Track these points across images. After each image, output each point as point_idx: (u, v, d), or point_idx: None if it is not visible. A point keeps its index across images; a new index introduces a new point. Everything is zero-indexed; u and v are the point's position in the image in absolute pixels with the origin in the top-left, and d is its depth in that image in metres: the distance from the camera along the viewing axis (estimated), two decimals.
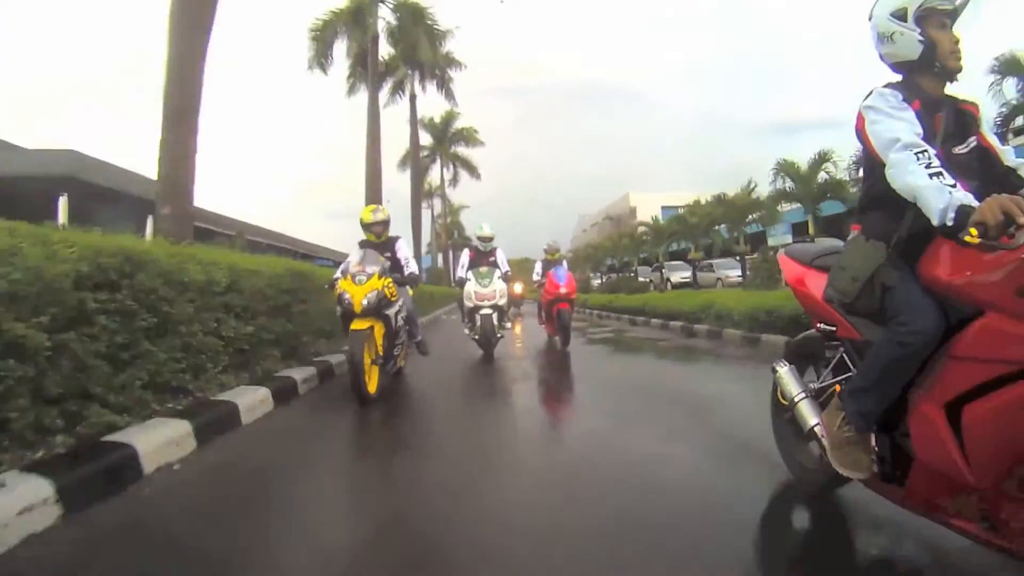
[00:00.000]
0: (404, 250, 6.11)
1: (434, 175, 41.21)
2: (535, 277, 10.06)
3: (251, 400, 4.27)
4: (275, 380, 5.02)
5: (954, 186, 1.62)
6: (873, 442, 1.99)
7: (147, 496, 2.77)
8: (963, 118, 2.00)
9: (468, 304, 7.55)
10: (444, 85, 26.87)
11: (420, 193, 32.09)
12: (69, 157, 13.18)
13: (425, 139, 35.50)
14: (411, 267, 6.04)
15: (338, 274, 5.45)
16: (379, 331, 5.18)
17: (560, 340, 8.70)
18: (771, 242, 28.28)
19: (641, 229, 36.61)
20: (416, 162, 30.52)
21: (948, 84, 2.00)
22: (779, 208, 25.80)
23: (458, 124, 37.52)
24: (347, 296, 4.99)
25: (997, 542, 1.58)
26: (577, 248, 52.90)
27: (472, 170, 39.08)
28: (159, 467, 3.06)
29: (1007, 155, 2.00)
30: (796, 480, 2.57)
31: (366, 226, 6.07)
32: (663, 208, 40.99)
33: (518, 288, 18.88)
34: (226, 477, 3.09)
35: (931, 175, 1.65)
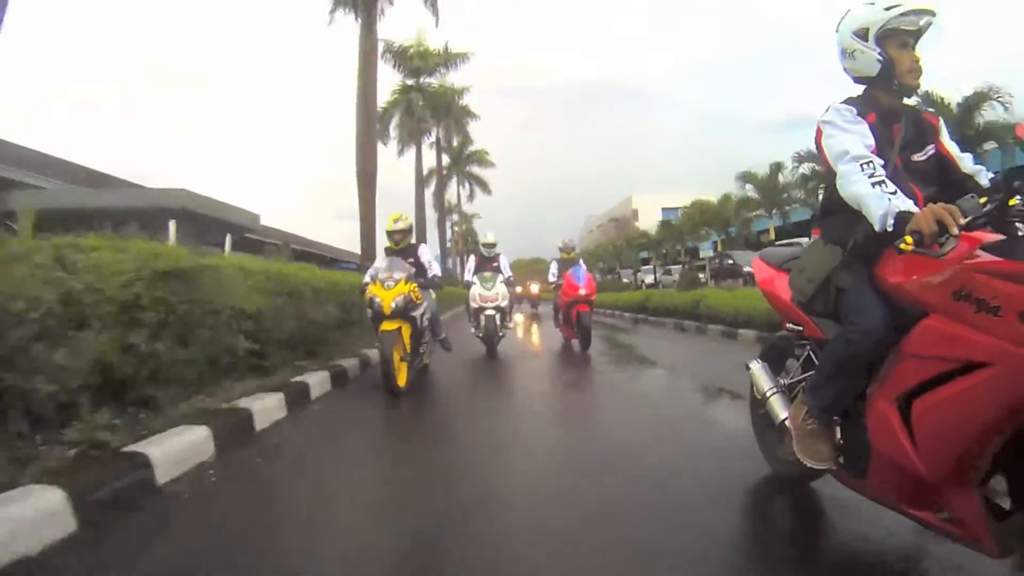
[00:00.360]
0: (426, 254, 6.07)
1: (451, 192, 41.93)
2: (551, 278, 9.07)
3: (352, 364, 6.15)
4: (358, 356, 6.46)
5: (894, 194, 1.62)
6: (838, 435, 1.99)
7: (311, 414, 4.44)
8: (923, 127, 1.99)
9: (473, 305, 7.76)
10: (463, 130, 33.57)
11: (443, 210, 35.34)
12: (181, 193, 16.76)
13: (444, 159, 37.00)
14: (434, 270, 6.00)
15: (367, 279, 5.59)
16: (406, 331, 5.27)
17: (579, 343, 8.00)
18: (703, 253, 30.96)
19: (636, 234, 37.87)
20: (441, 188, 34.56)
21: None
22: (749, 215, 26.09)
23: (471, 147, 38.95)
24: (377, 300, 5.08)
25: (955, 532, 1.57)
26: (584, 249, 52.73)
27: (484, 187, 40.30)
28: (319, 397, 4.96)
29: (965, 162, 1.98)
30: (773, 471, 2.55)
31: (389, 233, 6.14)
32: (663, 210, 40.58)
33: (535, 288, 18.82)
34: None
35: (873, 184, 1.67)
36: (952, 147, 2.00)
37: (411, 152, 28.58)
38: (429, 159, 31.96)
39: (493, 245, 8.40)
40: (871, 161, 1.73)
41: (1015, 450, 1.45)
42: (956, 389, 1.46)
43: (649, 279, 29.06)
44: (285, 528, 2.21)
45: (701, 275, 25.46)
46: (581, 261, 8.98)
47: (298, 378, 4.83)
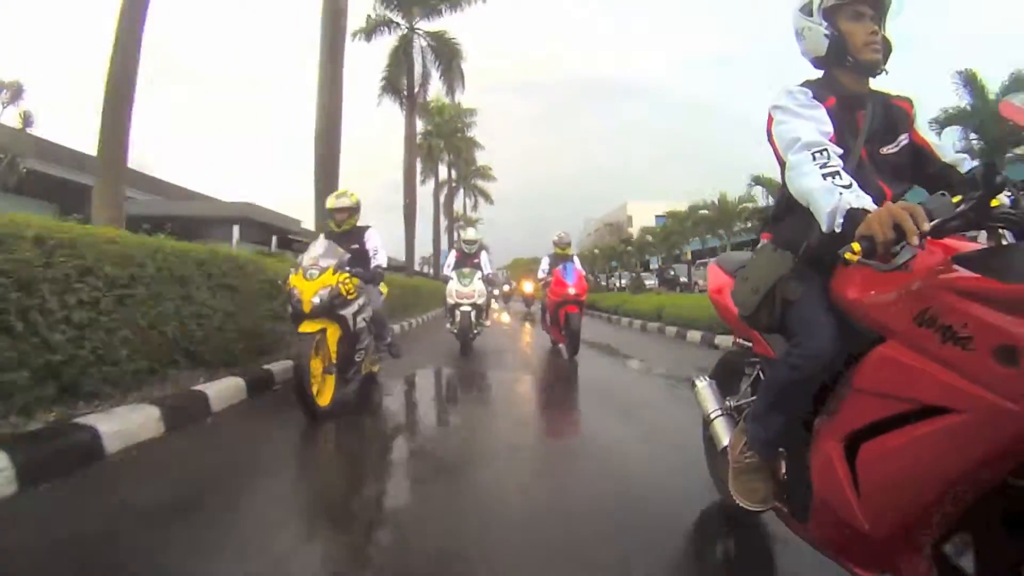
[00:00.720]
0: (374, 240, 4.44)
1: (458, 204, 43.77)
2: (540, 274, 7.66)
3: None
4: None
5: (849, 187, 1.22)
6: (783, 469, 1.55)
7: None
8: (893, 115, 1.56)
9: (450, 301, 6.99)
10: (470, 156, 35.88)
11: (452, 218, 36.39)
12: (243, 205, 19.97)
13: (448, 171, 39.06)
14: (379, 259, 4.34)
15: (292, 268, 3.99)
16: (333, 334, 3.69)
17: (567, 348, 6.60)
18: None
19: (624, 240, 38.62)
20: (450, 200, 36.58)
21: (872, 79, 1.56)
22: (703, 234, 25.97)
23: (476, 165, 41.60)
24: (296, 293, 3.54)
25: None
26: (582, 252, 51.48)
27: (487, 197, 42.21)
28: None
29: (944, 151, 1.55)
30: (721, 497, 2.03)
31: (330, 212, 4.54)
32: (656, 217, 39.11)
33: (528, 287, 16.89)
34: None
35: (825, 175, 1.27)
36: (929, 135, 1.59)
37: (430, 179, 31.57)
38: (441, 172, 34.76)
39: (474, 242, 7.62)
40: (825, 149, 1.33)
41: (984, 509, 1.05)
42: (909, 437, 1.08)
43: (623, 282, 30.19)
44: None
45: (649, 282, 27.14)
46: (576, 258, 7.49)
47: (197, 387, 3.47)
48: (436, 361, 6.30)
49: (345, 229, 4.45)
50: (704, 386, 2.03)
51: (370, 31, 17.79)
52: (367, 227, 4.54)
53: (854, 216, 1.14)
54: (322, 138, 9.86)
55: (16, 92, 18.37)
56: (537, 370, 5.96)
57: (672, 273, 26.05)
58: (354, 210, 4.53)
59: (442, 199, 34.57)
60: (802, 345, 1.37)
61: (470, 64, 20.48)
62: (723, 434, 1.84)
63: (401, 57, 18.39)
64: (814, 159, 1.31)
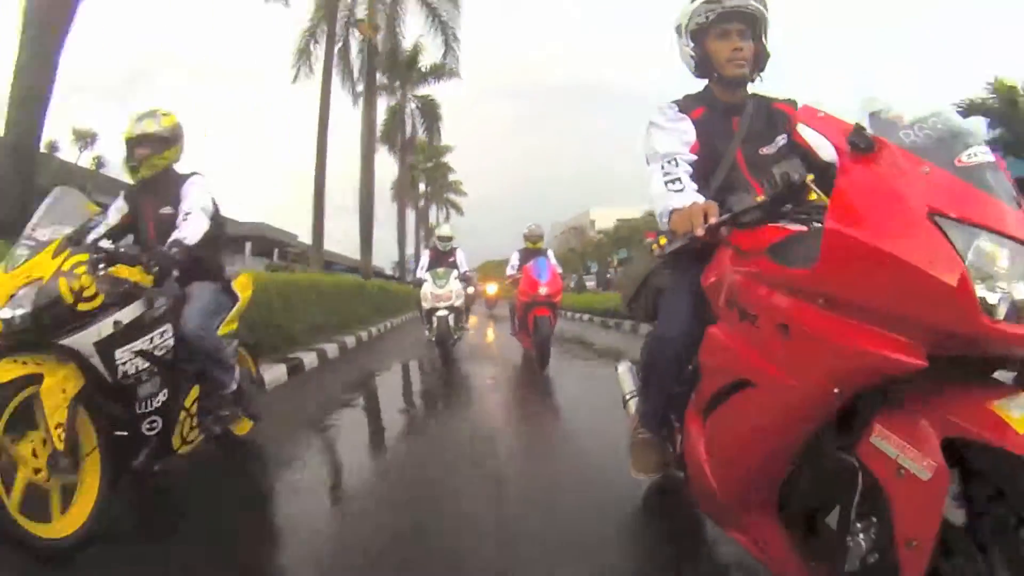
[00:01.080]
0: (193, 196, 2.16)
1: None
2: (509, 270, 6.00)
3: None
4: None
5: (680, 191, 1.33)
6: (678, 445, 1.50)
7: None
8: (774, 118, 1.54)
9: (425, 305, 5.77)
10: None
11: (427, 229, 35.58)
12: (256, 225, 21.74)
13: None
14: (185, 232, 2.02)
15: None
16: (58, 392, 1.52)
17: (536, 359, 4.84)
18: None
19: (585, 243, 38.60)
20: (425, 212, 36.24)
21: (748, 87, 1.56)
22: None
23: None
24: None
25: (763, 558, 1.17)
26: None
27: (459, 210, 41.77)
28: None
29: (825, 151, 1.38)
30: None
31: (125, 149, 2.24)
32: (618, 221, 37.81)
33: (491, 289, 12.71)
34: None
35: (666, 183, 1.37)
36: (810, 135, 1.44)
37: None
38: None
39: (449, 239, 6.46)
40: (674, 159, 1.41)
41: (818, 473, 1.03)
42: (730, 407, 1.15)
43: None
44: None
45: (590, 283, 27.32)
46: (550, 252, 5.85)
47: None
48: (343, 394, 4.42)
49: (145, 175, 2.21)
50: (624, 369, 1.95)
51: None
52: (190, 175, 2.27)
53: (672, 215, 1.28)
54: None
55: (91, 139, 19.92)
56: (498, 392, 4.32)
57: (610, 275, 26.03)
58: (164, 140, 2.20)
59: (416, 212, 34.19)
60: (658, 328, 1.48)
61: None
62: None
63: (395, 118, 22.15)
64: (663, 168, 1.39)
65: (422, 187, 35.41)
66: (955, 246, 0.80)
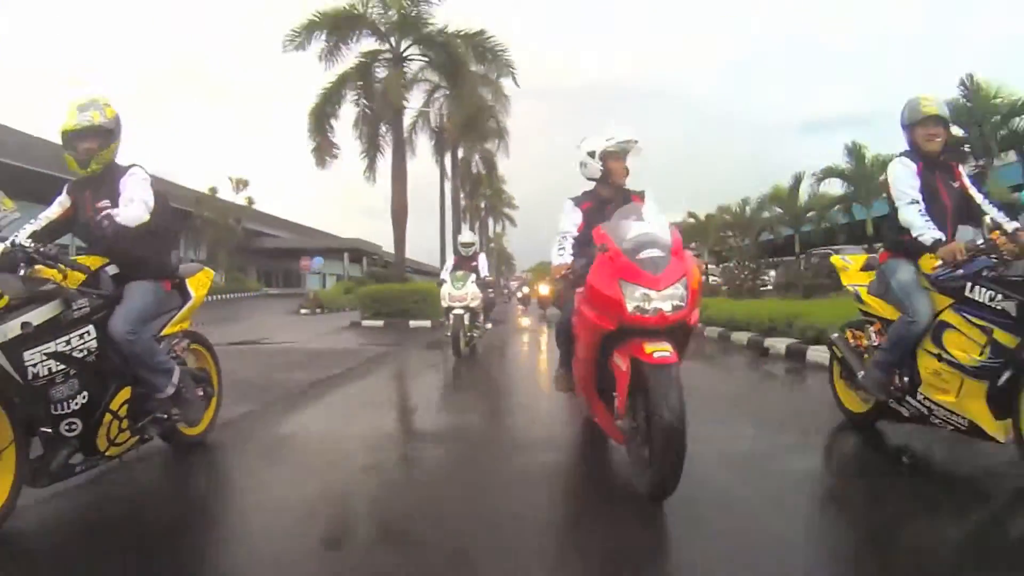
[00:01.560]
0: (132, 188, 2.01)
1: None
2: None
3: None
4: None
5: (562, 253, 2.26)
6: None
7: None
8: (629, 202, 2.28)
9: (444, 304, 6.16)
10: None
11: (486, 240, 37.65)
12: (354, 240, 30.34)
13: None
14: (119, 211, 1.90)
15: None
16: None
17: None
18: None
19: None
20: (484, 225, 38.00)
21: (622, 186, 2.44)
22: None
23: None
24: None
25: (604, 427, 2.16)
26: None
27: (512, 221, 43.54)
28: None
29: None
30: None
31: (66, 143, 2.00)
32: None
33: (543, 290, 12.32)
34: None
35: (558, 251, 2.29)
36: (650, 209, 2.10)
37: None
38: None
39: (471, 244, 6.77)
40: (565, 235, 2.35)
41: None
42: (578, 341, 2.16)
43: None
44: None
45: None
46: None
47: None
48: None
49: (94, 170, 2.02)
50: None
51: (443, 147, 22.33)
52: (129, 166, 2.10)
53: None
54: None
55: (244, 184, 25.96)
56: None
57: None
58: (110, 133, 2.04)
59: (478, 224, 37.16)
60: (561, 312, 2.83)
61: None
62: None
63: (463, 166, 26.21)
64: (559, 242, 2.33)
65: (482, 203, 37.90)
66: (623, 290, 1.80)
